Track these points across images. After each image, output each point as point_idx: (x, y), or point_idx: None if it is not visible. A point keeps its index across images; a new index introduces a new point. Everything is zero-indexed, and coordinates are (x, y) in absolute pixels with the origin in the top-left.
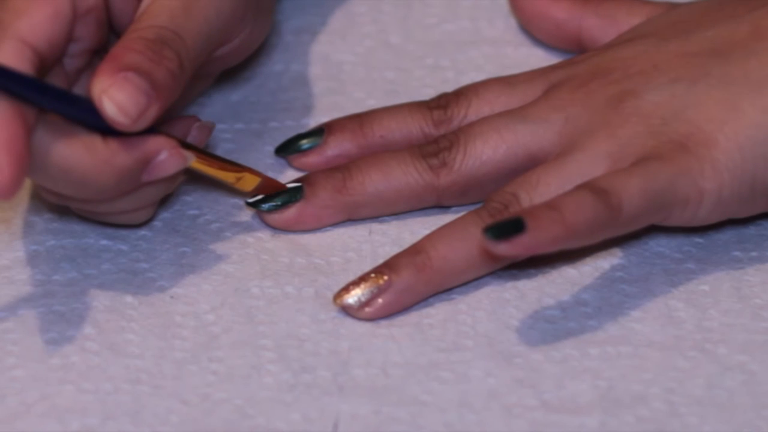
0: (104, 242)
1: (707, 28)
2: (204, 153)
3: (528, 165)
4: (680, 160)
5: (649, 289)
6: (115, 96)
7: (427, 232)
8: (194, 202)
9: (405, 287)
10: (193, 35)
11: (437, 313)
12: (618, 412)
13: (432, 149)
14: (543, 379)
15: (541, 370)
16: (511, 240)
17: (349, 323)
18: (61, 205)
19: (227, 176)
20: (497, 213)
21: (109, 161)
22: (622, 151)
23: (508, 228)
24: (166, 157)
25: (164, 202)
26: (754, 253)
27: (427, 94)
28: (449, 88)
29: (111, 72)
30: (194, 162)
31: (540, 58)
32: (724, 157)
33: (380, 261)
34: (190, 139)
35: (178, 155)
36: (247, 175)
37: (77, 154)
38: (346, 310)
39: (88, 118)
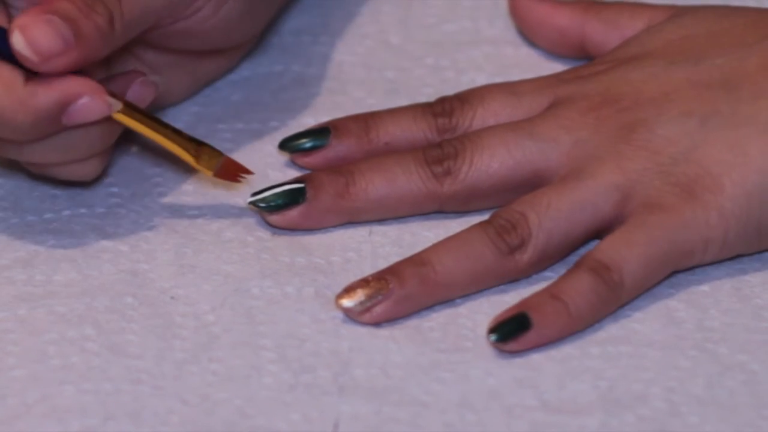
0: (104, 242)
1: (717, 55)
2: (148, 115)
3: (533, 181)
4: (685, 210)
5: (649, 290)
6: (29, 32)
7: (427, 233)
8: (194, 202)
9: (407, 297)
10: None
11: (438, 315)
12: (619, 412)
13: (436, 155)
14: (543, 379)
15: (542, 370)
16: (518, 339)
17: (350, 323)
18: None
19: (180, 150)
20: (504, 231)
21: (25, 101)
22: (631, 186)
23: (514, 328)
24: (88, 101)
25: (164, 202)
26: (754, 254)
27: (427, 93)
28: (449, 88)
29: (36, 12)
30: (127, 119)
31: (540, 58)
32: (731, 204)
33: (380, 261)
34: (131, 94)
35: (101, 101)
36: (206, 151)
37: None
38: (346, 313)
39: (11, 55)
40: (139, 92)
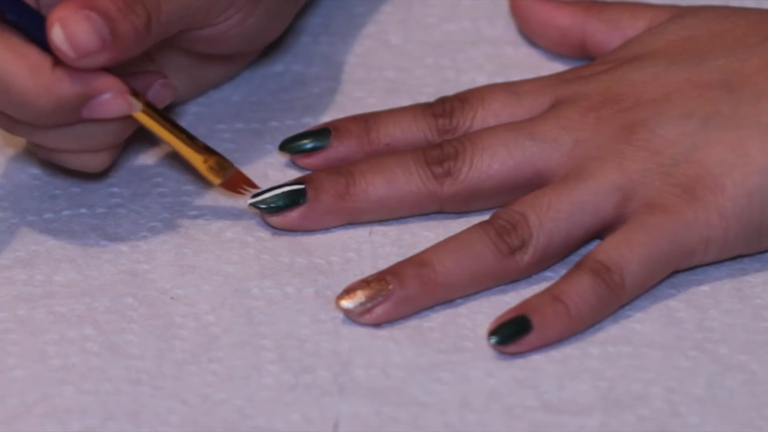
0: (104, 243)
1: (718, 56)
2: (166, 117)
3: (533, 181)
4: (686, 211)
5: (649, 290)
6: (69, 27)
7: (427, 233)
8: (194, 203)
9: (407, 298)
10: (170, 2)
11: (438, 316)
12: (619, 412)
13: (437, 155)
14: (543, 380)
15: (542, 370)
16: (518, 341)
17: (350, 324)
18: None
19: (192, 155)
20: (504, 232)
21: (50, 87)
22: (632, 187)
23: (515, 330)
24: (110, 98)
25: (163, 202)
26: (755, 254)
27: (428, 93)
28: (449, 87)
29: (76, 6)
30: (146, 119)
31: (540, 58)
32: (732, 204)
33: (380, 261)
34: (151, 95)
35: (123, 100)
36: (217, 160)
37: (21, 72)
38: (347, 314)
39: (45, 41)
40: (159, 93)
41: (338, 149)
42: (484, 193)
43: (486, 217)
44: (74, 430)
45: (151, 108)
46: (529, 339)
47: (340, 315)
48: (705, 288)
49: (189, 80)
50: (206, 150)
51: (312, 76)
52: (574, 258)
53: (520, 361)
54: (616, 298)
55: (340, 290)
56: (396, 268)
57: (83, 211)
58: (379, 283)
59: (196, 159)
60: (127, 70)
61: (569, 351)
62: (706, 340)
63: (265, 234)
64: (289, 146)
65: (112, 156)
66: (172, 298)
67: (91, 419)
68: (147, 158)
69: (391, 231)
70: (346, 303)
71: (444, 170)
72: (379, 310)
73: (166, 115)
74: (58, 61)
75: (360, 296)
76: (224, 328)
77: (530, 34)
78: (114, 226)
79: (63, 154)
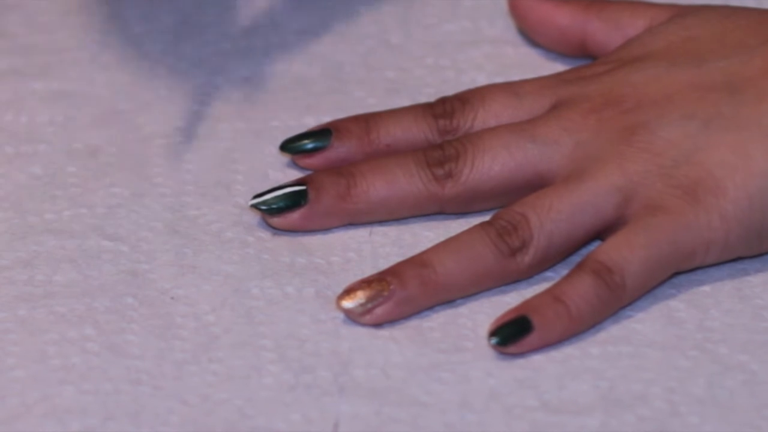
0: (105, 243)
1: (720, 57)
2: None
3: (534, 182)
4: (687, 213)
5: (650, 291)
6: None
7: (428, 233)
8: (194, 203)
9: (408, 298)
10: None
11: (438, 316)
12: (619, 412)
13: (437, 156)
14: (544, 380)
15: (542, 370)
16: (519, 342)
17: (350, 324)
18: None
19: None
20: (505, 233)
21: None
22: (632, 188)
23: (515, 331)
24: None
25: (163, 202)
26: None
27: (428, 93)
28: (449, 88)
29: None
30: None
31: (540, 58)
32: (733, 207)
33: (381, 261)
34: None
35: None
36: None
37: None
38: (347, 314)
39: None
40: None
41: (339, 150)
42: (485, 195)
43: (487, 217)
44: (74, 430)
45: None
46: (530, 340)
47: (340, 315)
48: (706, 288)
49: None
50: None
51: (313, 76)
52: (575, 258)
53: (520, 361)
54: (617, 299)
55: (340, 290)
56: (396, 268)
57: (83, 211)
58: (379, 283)
59: None
60: None
61: (569, 351)
62: (707, 340)
63: (265, 234)
64: (289, 146)
65: None
66: (172, 298)
67: (91, 419)
68: (147, 157)
69: (392, 231)
70: (347, 303)
71: (445, 172)
72: (379, 311)
73: None
74: None
75: (360, 296)
76: (224, 328)
77: (530, 32)
78: (114, 226)
79: None
